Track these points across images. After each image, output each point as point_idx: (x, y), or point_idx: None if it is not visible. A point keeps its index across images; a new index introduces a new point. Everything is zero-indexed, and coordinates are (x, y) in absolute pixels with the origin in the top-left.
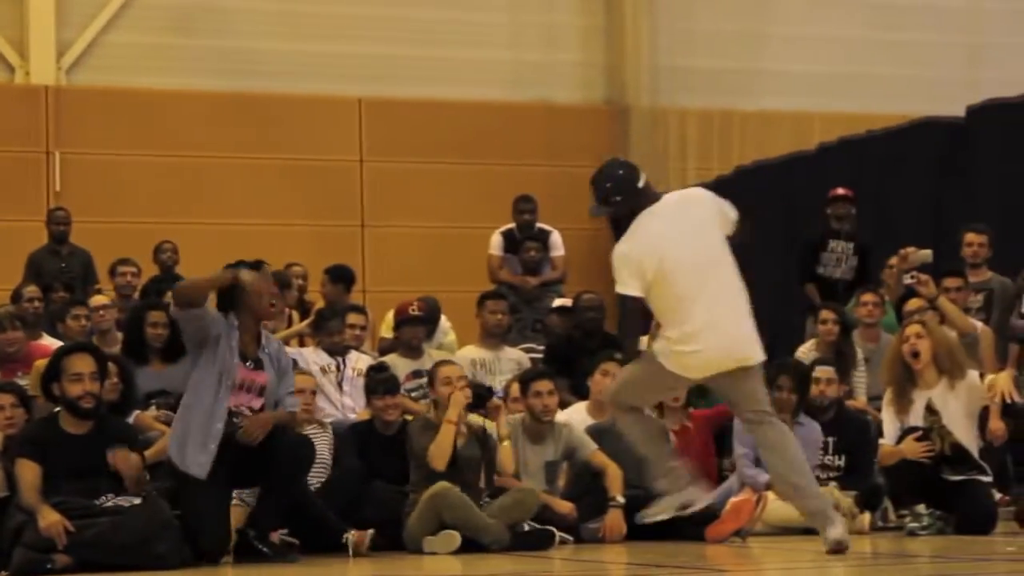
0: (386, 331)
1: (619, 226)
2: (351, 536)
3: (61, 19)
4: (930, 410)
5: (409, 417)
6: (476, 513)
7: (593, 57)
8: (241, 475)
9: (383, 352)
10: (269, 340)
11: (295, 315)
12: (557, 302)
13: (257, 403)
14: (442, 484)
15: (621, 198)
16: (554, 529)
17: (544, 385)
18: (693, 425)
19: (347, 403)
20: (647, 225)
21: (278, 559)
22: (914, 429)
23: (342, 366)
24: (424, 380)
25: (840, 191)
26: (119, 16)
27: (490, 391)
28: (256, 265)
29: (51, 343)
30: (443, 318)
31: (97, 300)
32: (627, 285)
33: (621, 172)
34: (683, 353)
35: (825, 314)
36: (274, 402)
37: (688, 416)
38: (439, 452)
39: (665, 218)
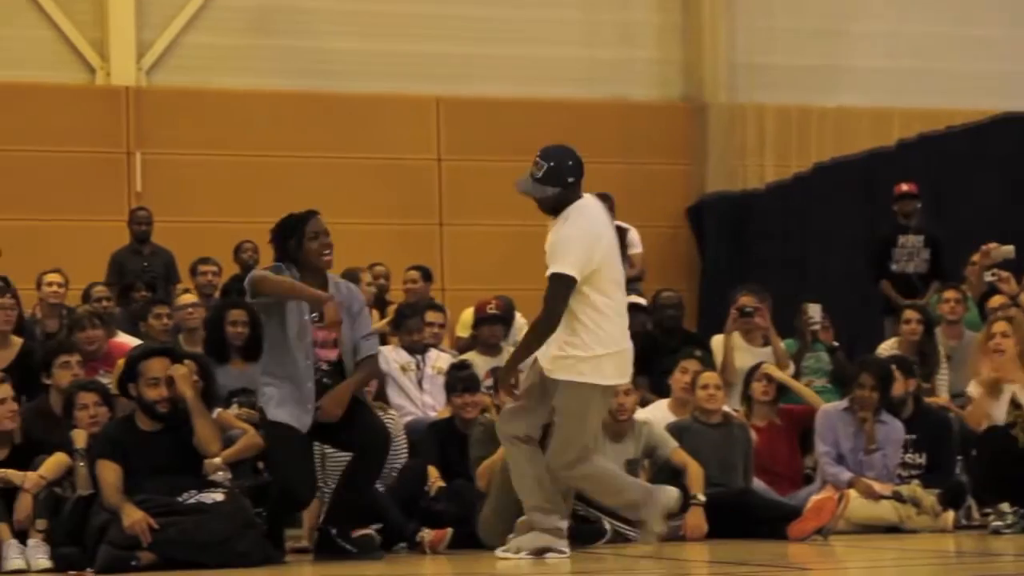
0: (462, 330)
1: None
2: (426, 535)
3: (141, 20)
4: (1015, 404)
5: (489, 416)
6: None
7: (670, 54)
8: (320, 431)
9: (462, 351)
10: (338, 286)
11: (375, 313)
12: (630, 299)
13: (333, 354)
14: None
15: (573, 180)
16: (609, 522)
17: (621, 385)
18: (782, 421)
19: (427, 401)
20: (589, 215)
21: (362, 556)
22: (996, 426)
23: (422, 364)
24: None
25: (904, 187)
26: (198, 17)
27: None
28: (312, 213)
29: (128, 341)
30: (517, 315)
31: (185, 299)
32: (572, 266)
33: (579, 157)
34: (620, 353)
35: (909, 314)
36: (351, 347)
37: (777, 412)
38: (486, 473)
39: (600, 215)
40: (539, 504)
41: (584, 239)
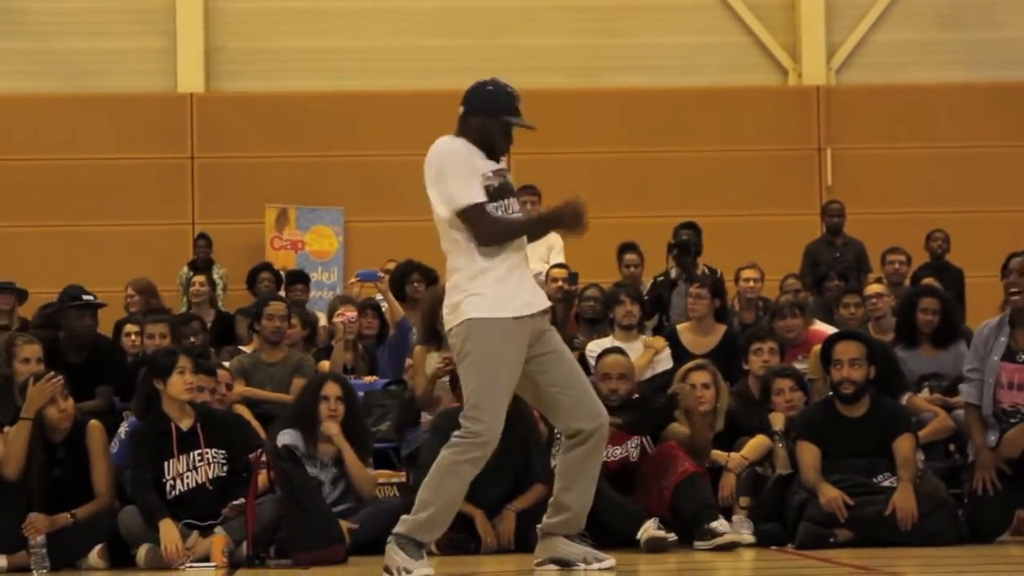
0: None
1: None
2: None
3: (830, 22)
4: None
5: None
6: None
7: None
8: None
9: None
10: None
11: None
12: None
13: None
14: None
15: None
16: None
17: None
18: None
19: None
20: None
21: None
22: None
23: None
24: None
25: None
26: (886, 15)
27: None
28: None
29: (823, 329)
30: None
31: (873, 288)
32: None
33: None
34: None
35: None
36: None
37: None
38: None
39: None
40: None
41: None
